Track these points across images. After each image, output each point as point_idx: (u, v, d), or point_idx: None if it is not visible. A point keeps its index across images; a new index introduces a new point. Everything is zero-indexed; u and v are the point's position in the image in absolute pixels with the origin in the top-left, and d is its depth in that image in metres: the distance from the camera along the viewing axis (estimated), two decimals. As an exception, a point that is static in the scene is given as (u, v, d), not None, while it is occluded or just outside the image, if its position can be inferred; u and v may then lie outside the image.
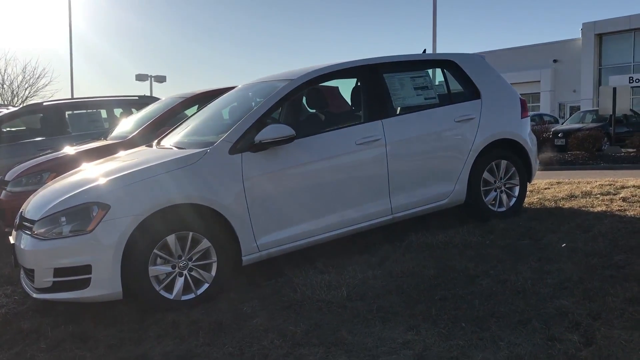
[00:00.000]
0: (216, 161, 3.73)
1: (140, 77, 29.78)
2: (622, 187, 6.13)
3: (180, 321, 3.23)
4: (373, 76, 4.53)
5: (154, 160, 3.83)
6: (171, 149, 4.22)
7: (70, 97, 23.53)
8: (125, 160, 4.26)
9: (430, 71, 5.28)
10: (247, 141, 3.81)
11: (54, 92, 33.30)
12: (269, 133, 3.78)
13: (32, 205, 3.81)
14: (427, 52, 5.52)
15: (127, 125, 6.44)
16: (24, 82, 31.91)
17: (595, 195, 5.75)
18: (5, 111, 8.84)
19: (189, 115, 5.40)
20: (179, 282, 3.50)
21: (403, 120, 4.50)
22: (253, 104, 4.37)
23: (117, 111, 8.41)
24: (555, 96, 34.61)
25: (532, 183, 5.80)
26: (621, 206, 5.12)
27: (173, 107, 6.14)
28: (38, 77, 32.38)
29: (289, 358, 2.70)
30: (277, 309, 3.30)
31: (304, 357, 2.68)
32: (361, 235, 4.37)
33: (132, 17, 68.73)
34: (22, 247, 3.59)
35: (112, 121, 8.03)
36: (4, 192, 5.67)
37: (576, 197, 5.68)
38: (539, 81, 34.50)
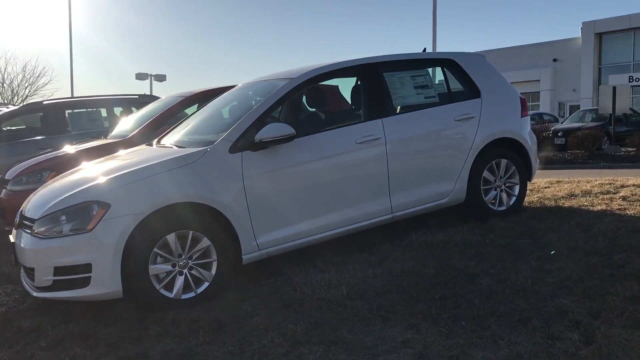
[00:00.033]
0: (216, 160, 3.73)
1: (140, 76, 29.77)
2: (622, 186, 6.13)
3: (181, 320, 3.23)
4: (373, 75, 4.53)
5: (154, 159, 3.83)
6: (171, 147, 4.22)
7: (70, 96, 23.51)
8: (125, 159, 4.26)
9: (430, 70, 5.27)
10: (247, 140, 3.81)
11: (54, 91, 33.21)
12: (269, 132, 3.78)
13: (32, 204, 3.81)
14: (427, 51, 5.51)
15: (127, 124, 6.44)
16: (24, 81, 31.92)
17: (595, 194, 5.75)
18: (5, 110, 8.84)
19: (189, 114, 5.40)
20: (179, 281, 3.50)
21: (403, 119, 4.50)
22: (253, 102, 4.37)
23: (117, 110, 8.41)
24: (555, 95, 34.60)
25: (532, 182, 5.80)
26: (621, 205, 5.12)
27: (173, 106, 6.14)
28: (38, 76, 32.39)
29: (289, 357, 2.70)
30: (277, 308, 3.31)
31: (304, 356, 2.68)
32: (361, 234, 4.37)
33: (132, 16, 68.72)
34: (22, 245, 3.59)
35: (112, 120, 8.03)
36: (4, 190, 5.67)
37: (576, 196, 5.68)
38: (539, 80, 34.48)
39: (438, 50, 18.98)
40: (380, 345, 2.71)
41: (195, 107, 6.02)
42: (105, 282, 3.33)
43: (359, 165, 4.22)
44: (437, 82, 5.27)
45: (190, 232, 3.51)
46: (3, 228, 5.45)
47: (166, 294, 3.45)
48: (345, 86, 4.95)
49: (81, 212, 3.40)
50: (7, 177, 5.76)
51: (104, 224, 3.33)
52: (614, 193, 5.75)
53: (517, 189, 5.00)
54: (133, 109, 7.90)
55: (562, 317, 2.79)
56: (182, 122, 4.93)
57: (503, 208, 4.90)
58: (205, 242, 3.55)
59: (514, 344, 2.58)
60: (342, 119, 4.54)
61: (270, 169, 3.85)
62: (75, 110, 8.28)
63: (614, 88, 15.92)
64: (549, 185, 6.62)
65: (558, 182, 6.91)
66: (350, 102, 4.88)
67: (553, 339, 2.58)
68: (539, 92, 34.57)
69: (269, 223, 3.82)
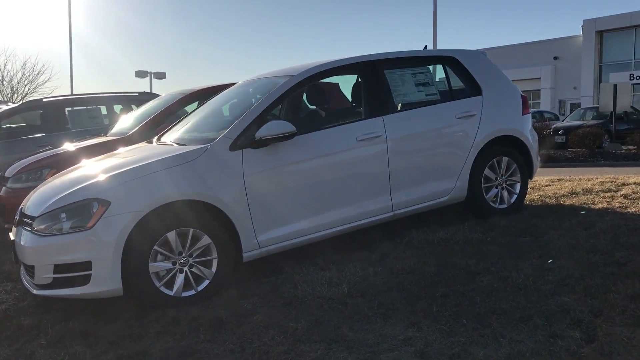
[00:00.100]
0: (216, 157, 3.72)
1: (140, 74, 29.73)
2: (623, 184, 6.13)
3: (181, 318, 3.22)
4: (374, 72, 4.51)
5: (155, 156, 3.82)
6: (171, 145, 4.21)
7: (69, 93, 23.49)
8: (125, 156, 4.25)
9: (431, 67, 5.26)
10: (247, 137, 3.80)
11: (54, 88, 33.24)
12: (269, 129, 3.77)
13: (32, 202, 3.81)
14: (428, 48, 5.49)
15: (127, 121, 6.43)
16: (24, 79, 31.90)
17: (597, 192, 5.74)
18: (4, 107, 8.83)
19: (189, 111, 5.38)
20: (180, 279, 3.49)
21: (404, 116, 4.49)
22: (253, 100, 4.36)
23: (117, 107, 8.41)
24: (555, 93, 34.57)
25: (533, 180, 5.79)
26: (622, 203, 5.11)
27: (173, 103, 6.13)
28: (38, 74, 32.38)
29: (289, 355, 2.70)
30: (278, 306, 3.30)
31: (304, 354, 2.68)
32: (362, 232, 4.36)
33: (131, 14, 68.65)
34: (22, 243, 3.58)
35: (112, 118, 8.02)
36: (4, 188, 5.67)
37: (577, 194, 5.68)
38: (540, 78, 34.45)
39: (439, 48, 18.96)
40: (381, 343, 2.71)
41: (195, 104, 6.01)
42: (106, 280, 3.32)
43: (359, 163, 4.21)
44: (438, 79, 5.26)
45: (191, 230, 3.50)
46: (3, 226, 5.45)
47: (166, 291, 3.45)
48: (346, 84, 4.94)
49: (81, 209, 3.39)
50: (7, 174, 5.76)
51: (104, 222, 3.32)
52: (615, 191, 5.74)
53: (518, 187, 4.99)
54: (133, 106, 7.89)
55: (563, 315, 2.78)
56: (182, 119, 4.92)
57: (504, 206, 4.89)
58: (205, 239, 3.54)
59: (515, 342, 2.57)
60: (342, 117, 4.53)
61: (271, 166, 3.84)
62: (75, 108, 8.27)
63: (615, 86, 15.89)
64: (550, 183, 6.61)
65: (559, 180, 6.91)
66: (351, 99, 4.86)
67: (554, 337, 2.58)
68: (540, 90, 34.55)
69: (270, 221, 3.81)
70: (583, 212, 3.99)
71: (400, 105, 4.58)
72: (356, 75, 4.74)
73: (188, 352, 2.84)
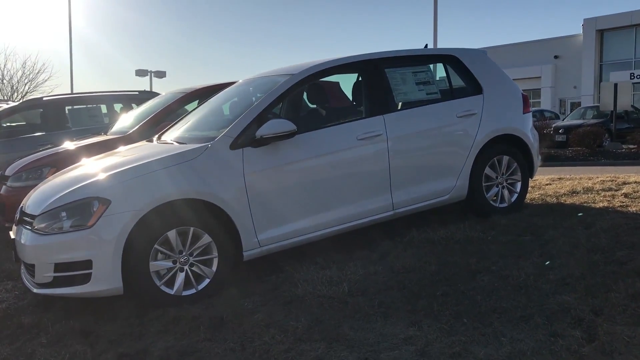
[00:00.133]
0: (217, 156, 3.71)
1: (140, 73, 29.71)
2: (624, 183, 6.12)
3: (181, 316, 3.22)
4: (374, 71, 4.51)
5: (155, 155, 3.81)
6: (172, 144, 4.20)
7: (70, 92, 23.48)
8: (125, 155, 4.25)
9: (431, 66, 5.25)
10: (248, 136, 3.79)
11: (54, 87, 33.15)
12: (270, 128, 3.77)
13: (33, 200, 3.80)
14: (428, 47, 5.48)
15: (127, 120, 6.43)
16: (24, 78, 31.85)
17: (597, 191, 5.73)
18: (5, 106, 8.82)
19: (190, 110, 5.38)
20: (180, 278, 3.49)
21: (404, 115, 4.49)
22: (254, 99, 4.35)
23: (117, 106, 8.40)
24: (556, 92, 34.56)
25: (533, 179, 5.78)
26: (623, 202, 5.10)
27: (173, 102, 6.12)
28: (38, 73, 32.32)
29: (290, 353, 2.69)
30: (279, 305, 3.30)
31: (305, 353, 2.68)
32: (362, 231, 4.36)
33: (132, 12, 68.60)
34: (22, 242, 3.58)
35: (112, 116, 8.02)
36: (4, 187, 5.67)
37: (578, 193, 5.67)
38: (540, 77, 34.44)
39: (439, 46, 18.94)
40: (381, 342, 2.71)
41: (195, 103, 6.01)
42: (106, 279, 3.32)
43: (360, 162, 4.21)
44: (438, 78, 5.26)
45: (191, 229, 3.50)
46: (3, 224, 5.44)
47: (167, 290, 3.44)
48: (347, 82, 4.93)
49: (82, 208, 3.39)
50: (7, 173, 5.75)
51: (105, 220, 3.32)
52: (616, 190, 5.73)
53: (518, 185, 4.99)
54: (133, 105, 7.88)
55: (564, 314, 2.78)
56: (182, 118, 4.92)
57: (505, 205, 4.89)
58: (206, 238, 3.54)
59: (516, 341, 2.57)
60: (343, 116, 4.52)
61: (271, 165, 3.83)
62: (75, 107, 8.26)
63: (616, 85, 15.89)
64: (550, 182, 6.61)
65: (560, 179, 6.90)
66: (351, 98, 4.86)
67: (555, 336, 2.57)
68: (540, 89, 34.54)
69: (270, 220, 3.81)
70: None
71: (400, 104, 4.57)
72: (357, 74, 4.74)
73: (188, 350, 2.84)
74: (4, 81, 31.55)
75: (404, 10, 78.25)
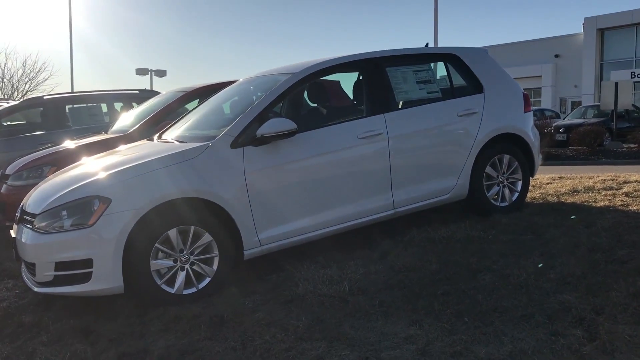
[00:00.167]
0: (217, 155, 3.71)
1: (141, 71, 29.66)
2: (625, 182, 6.12)
3: (182, 315, 3.22)
4: (375, 70, 4.50)
5: (155, 154, 3.81)
6: (172, 142, 4.20)
7: (70, 91, 23.48)
8: (126, 154, 4.25)
9: (432, 65, 5.24)
10: (248, 135, 3.79)
11: (54, 86, 33.30)
12: (270, 127, 3.76)
13: (33, 199, 3.80)
14: (429, 46, 5.48)
15: (127, 119, 6.43)
16: (24, 76, 31.88)
17: (598, 190, 5.73)
18: (5, 105, 8.82)
19: (190, 109, 5.38)
20: (181, 276, 3.49)
21: (405, 114, 4.48)
22: (254, 97, 4.35)
23: (118, 105, 8.40)
24: (556, 91, 34.52)
25: (534, 178, 5.78)
26: (624, 201, 5.10)
27: (173, 101, 6.13)
28: (38, 71, 32.36)
29: (291, 352, 2.69)
30: (279, 303, 3.29)
31: (306, 352, 2.67)
32: (362, 230, 4.35)
33: (132, 11, 68.58)
34: (23, 240, 3.58)
35: (113, 115, 8.01)
36: (4, 186, 5.67)
37: (579, 192, 5.67)
38: (540, 76, 34.40)
39: (440, 45, 18.93)
40: (382, 341, 2.70)
41: (195, 102, 6.01)
42: (107, 278, 3.32)
43: (361, 161, 4.20)
44: (439, 77, 5.25)
45: (192, 228, 3.49)
46: (4, 223, 5.44)
47: (168, 289, 3.44)
48: (347, 81, 4.93)
49: (82, 207, 3.39)
50: (7, 172, 5.75)
51: (105, 219, 3.32)
52: (617, 189, 5.73)
53: (519, 184, 4.98)
54: (133, 104, 7.89)
55: (565, 313, 2.78)
56: (183, 117, 4.91)
57: (505, 204, 4.88)
58: (206, 237, 3.54)
59: (517, 340, 2.57)
60: (344, 114, 4.52)
61: (272, 164, 3.83)
62: (75, 106, 8.26)
63: (616, 84, 15.88)
64: (551, 181, 6.60)
65: (560, 178, 6.89)
66: (352, 97, 4.86)
67: (556, 335, 2.57)
68: (541, 88, 34.50)
69: (271, 219, 3.80)
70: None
71: (401, 102, 4.56)
72: (357, 73, 4.73)
73: (189, 349, 2.84)
74: (5, 80, 31.60)
75: (404, 10, 78.23)
